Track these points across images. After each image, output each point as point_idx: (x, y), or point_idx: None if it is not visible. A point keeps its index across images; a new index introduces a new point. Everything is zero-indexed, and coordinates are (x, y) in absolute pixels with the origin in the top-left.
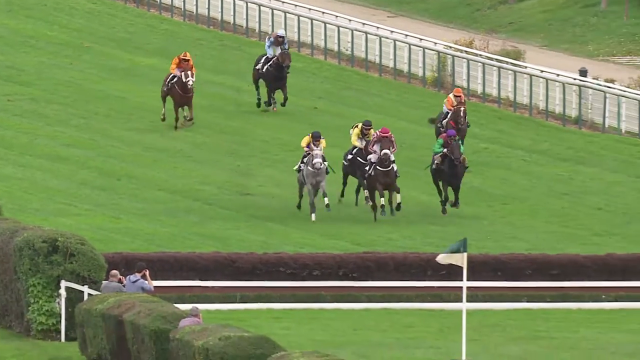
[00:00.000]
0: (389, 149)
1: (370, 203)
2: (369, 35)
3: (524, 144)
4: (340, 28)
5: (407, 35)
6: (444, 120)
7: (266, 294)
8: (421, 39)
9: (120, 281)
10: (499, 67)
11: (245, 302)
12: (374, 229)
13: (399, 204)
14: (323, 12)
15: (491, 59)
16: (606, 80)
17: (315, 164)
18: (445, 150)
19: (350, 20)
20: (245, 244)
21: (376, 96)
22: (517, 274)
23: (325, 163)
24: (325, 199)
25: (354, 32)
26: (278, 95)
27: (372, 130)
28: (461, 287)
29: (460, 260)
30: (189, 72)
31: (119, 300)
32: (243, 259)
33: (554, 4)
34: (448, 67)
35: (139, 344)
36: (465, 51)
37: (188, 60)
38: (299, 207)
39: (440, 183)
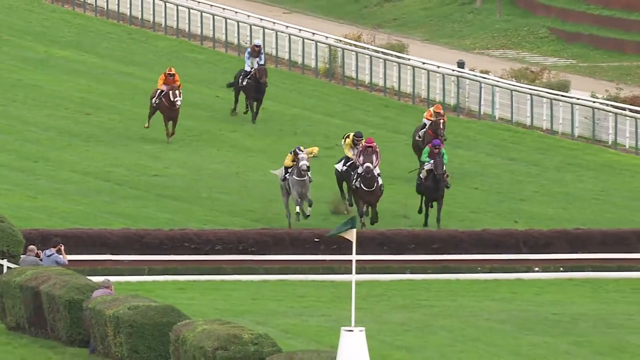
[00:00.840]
0: (372, 162)
1: (350, 208)
2: (266, 30)
3: (407, 129)
4: (240, 23)
5: (301, 29)
6: (422, 131)
7: (172, 267)
8: (314, 33)
9: (37, 255)
10: (385, 59)
11: (153, 275)
12: (271, 207)
13: (376, 216)
14: (224, 9)
15: (377, 51)
16: (482, 72)
17: (301, 166)
18: (430, 161)
19: (248, 16)
20: (153, 221)
21: (273, 85)
22: (401, 248)
23: (309, 173)
24: (309, 208)
25: (252, 26)
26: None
27: (363, 141)
28: (351, 260)
29: (350, 235)
30: (177, 92)
31: (36, 273)
32: (151, 235)
33: (434, 2)
34: (338, 59)
35: (55, 313)
36: (354, 44)
37: (174, 75)
38: (289, 223)
39: (423, 198)
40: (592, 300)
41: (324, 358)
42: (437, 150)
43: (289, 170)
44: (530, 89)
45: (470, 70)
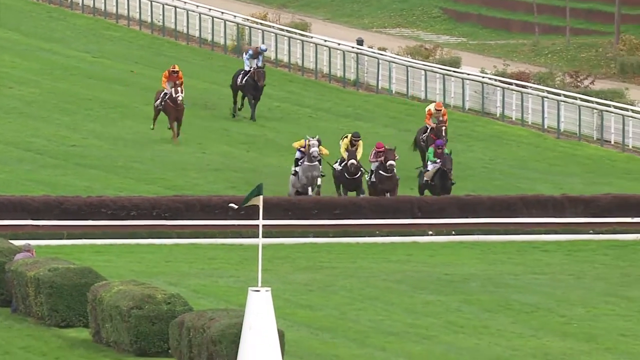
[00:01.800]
0: (394, 159)
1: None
2: (177, 9)
3: (310, 102)
4: (153, 2)
5: (210, 9)
6: (424, 135)
7: (90, 232)
8: (222, 12)
9: None
10: (289, 37)
11: (71, 239)
12: (183, 175)
13: None
14: None
15: (282, 30)
16: (379, 49)
17: (312, 152)
18: (438, 160)
19: None
20: (72, 189)
21: (184, 61)
22: (305, 214)
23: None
24: (317, 188)
25: (165, 6)
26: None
27: (360, 141)
28: (257, 224)
29: (257, 202)
30: (179, 89)
31: None
32: (70, 202)
33: None
34: (246, 37)
35: None
36: (261, 23)
37: (177, 72)
38: None
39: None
40: (481, 261)
41: (233, 316)
42: (440, 150)
43: (299, 162)
44: (424, 65)
45: (369, 47)
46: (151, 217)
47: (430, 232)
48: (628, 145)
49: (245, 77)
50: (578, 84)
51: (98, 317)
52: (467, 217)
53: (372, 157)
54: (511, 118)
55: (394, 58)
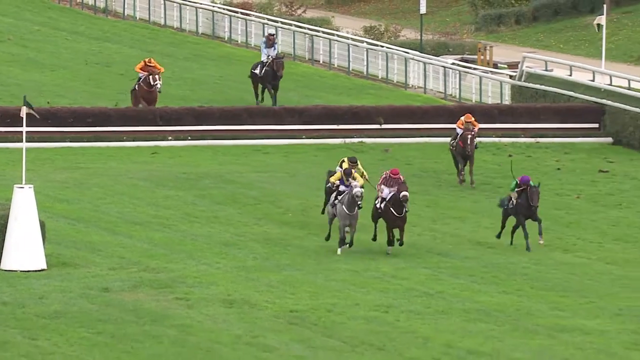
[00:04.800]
0: (406, 190)
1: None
2: None
3: (66, 27)
4: None
5: None
6: (454, 141)
7: None
8: None
9: None
10: None
11: None
12: None
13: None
14: None
15: None
16: None
17: (355, 192)
18: (526, 186)
19: None
20: None
21: None
22: (63, 122)
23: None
24: (347, 245)
25: None
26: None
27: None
28: (22, 131)
29: (22, 112)
30: (157, 76)
31: None
32: None
33: None
34: None
35: None
36: None
37: (153, 66)
38: (327, 238)
39: (515, 218)
40: (212, 162)
41: (0, 209)
42: (525, 186)
43: (339, 198)
44: None
45: None
46: None
47: (170, 138)
48: (334, 65)
49: (264, 68)
50: (292, 12)
51: None
52: (201, 125)
53: (379, 184)
54: (237, 41)
55: None
